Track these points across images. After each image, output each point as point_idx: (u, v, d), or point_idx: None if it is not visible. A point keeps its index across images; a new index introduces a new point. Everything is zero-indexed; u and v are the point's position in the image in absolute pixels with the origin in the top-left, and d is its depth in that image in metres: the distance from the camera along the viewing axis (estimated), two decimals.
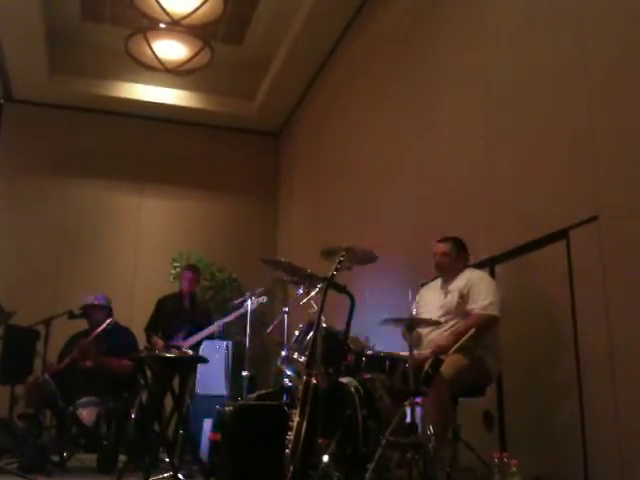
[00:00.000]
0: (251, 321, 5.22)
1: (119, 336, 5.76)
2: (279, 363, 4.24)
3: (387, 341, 4.34)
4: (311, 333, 3.81)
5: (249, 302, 5.40)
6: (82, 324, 5.87)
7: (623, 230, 3.42)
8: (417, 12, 6.00)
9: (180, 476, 4.06)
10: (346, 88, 7.51)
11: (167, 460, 4.37)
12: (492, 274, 4.37)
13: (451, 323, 3.93)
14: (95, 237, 8.83)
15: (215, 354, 5.43)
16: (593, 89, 3.71)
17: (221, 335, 5.81)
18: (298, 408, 3.20)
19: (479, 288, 3.93)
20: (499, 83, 4.65)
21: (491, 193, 4.60)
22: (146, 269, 8.73)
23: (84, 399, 5.31)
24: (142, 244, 9.00)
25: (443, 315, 3.99)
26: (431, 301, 4.17)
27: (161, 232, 9.11)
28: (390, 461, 3.46)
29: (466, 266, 4.19)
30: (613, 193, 3.51)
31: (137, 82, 8.85)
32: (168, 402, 4.69)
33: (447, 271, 4.19)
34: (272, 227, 9.68)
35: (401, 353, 3.71)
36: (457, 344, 3.69)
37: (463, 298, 3.95)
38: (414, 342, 3.72)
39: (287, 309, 5.05)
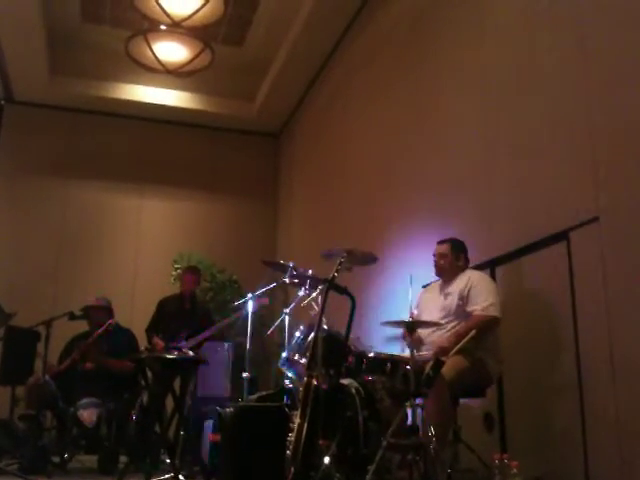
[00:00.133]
0: (252, 322, 5.21)
1: (120, 337, 5.76)
2: (280, 364, 4.23)
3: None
4: (312, 334, 3.81)
5: (250, 303, 5.39)
6: (83, 325, 5.87)
7: (624, 231, 3.42)
8: (416, 13, 6.00)
9: (181, 477, 4.06)
10: (346, 89, 7.52)
11: (168, 461, 4.37)
12: (492, 276, 4.38)
13: (452, 325, 3.94)
14: (95, 238, 8.84)
15: (216, 355, 5.43)
16: (593, 89, 3.72)
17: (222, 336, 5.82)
18: (299, 409, 3.20)
19: (479, 289, 3.93)
20: (499, 83, 4.65)
21: (491, 194, 4.60)
22: (146, 270, 8.74)
23: (85, 400, 5.31)
24: (142, 245, 9.01)
25: (443, 317, 3.99)
26: (431, 303, 4.18)
27: (161, 233, 9.11)
28: (391, 463, 3.45)
29: (466, 268, 4.19)
30: (613, 194, 3.51)
31: (137, 84, 8.86)
32: (169, 403, 4.69)
33: (446, 273, 4.19)
34: (272, 228, 9.68)
35: (402, 355, 3.71)
36: (458, 346, 3.69)
37: (463, 300, 3.95)
38: (415, 344, 3.73)
39: (288, 310, 5.05)
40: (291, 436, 3.29)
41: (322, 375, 3.41)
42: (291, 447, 3.17)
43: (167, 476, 4.19)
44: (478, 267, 4.33)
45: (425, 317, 4.06)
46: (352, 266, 3.91)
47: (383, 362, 3.70)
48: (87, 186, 9.05)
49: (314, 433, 3.16)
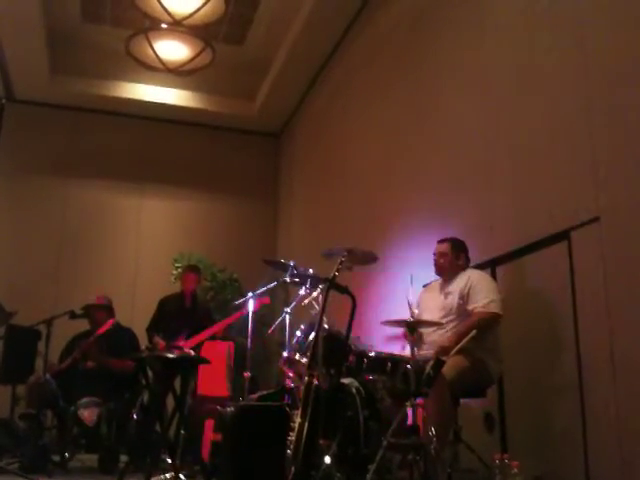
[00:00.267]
0: (252, 322, 5.21)
1: (121, 336, 5.76)
2: (280, 364, 4.24)
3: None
4: (312, 334, 3.81)
5: (250, 302, 5.39)
6: (83, 324, 5.87)
7: (624, 231, 3.43)
8: (416, 13, 6.00)
9: (181, 477, 4.06)
10: (346, 89, 7.51)
11: (168, 461, 4.37)
12: (493, 275, 4.38)
13: (452, 324, 3.94)
14: (96, 237, 8.84)
15: (216, 355, 5.43)
16: (593, 89, 3.72)
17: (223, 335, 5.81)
18: (299, 409, 3.20)
19: (479, 288, 3.94)
20: (499, 83, 4.65)
21: (491, 194, 4.60)
22: (147, 269, 8.74)
23: (85, 399, 5.31)
24: (143, 244, 9.01)
25: (444, 316, 4.00)
26: (432, 302, 4.18)
27: (162, 233, 9.11)
28: (391, 462, 3.46)
29: (466, 267, 4.19)
30: (614, 194, 3.51)
31: (138, 82, 8.85)
32: (169, 402, 4.69)
33: (446, 272, 4.19)
34: (272, 227, 9.68)
35: (402, 354, 3.71)
36: (459, 345, 3.69)
37: (463, 299, 3.96)
38: (415, 343, 3.73)
39: (289, 310, 5.05)
40: (292, 435, 3.29)
41: (323, 374, 3.41)
42: (292, 446, 3.17)
43: (167, 475, 4.19)
44: (479, 267, 4.33)
45: (425, 316, 4.06)
46: (353, 265, 3.91)
47: (384, 361, 3.70)
48: (88, 185, 9.05)
49: (315, 432, 3.16)
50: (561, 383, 3.78)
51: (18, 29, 7.45)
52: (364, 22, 7.14)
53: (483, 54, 4.87)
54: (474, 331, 3.69)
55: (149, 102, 9.00)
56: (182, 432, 4.61)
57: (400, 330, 4.26)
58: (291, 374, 4.26)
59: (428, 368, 3.53)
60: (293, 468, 3.07)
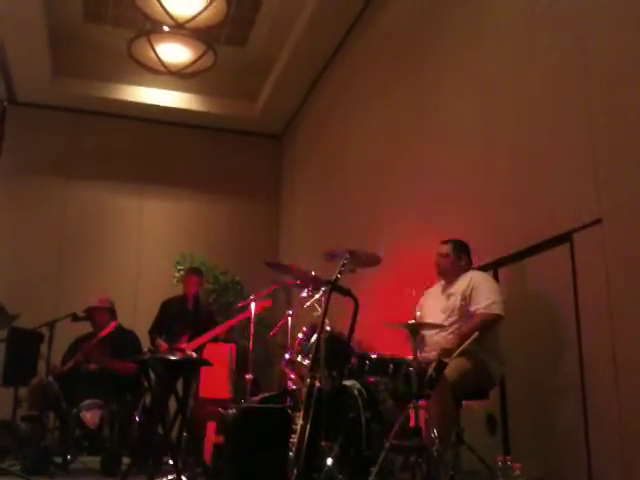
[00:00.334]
0: (254, 324, 5.21)
1: (123, 339, 5.76)
2: (282, 366, 4.24)
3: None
4: (315, 336, 3.81)
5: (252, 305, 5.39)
6: (86, 327, 5.87)
7: (626, 233, 3.42)
8: (417, 14, 6.01)
9: (183, 479, 4.06)
10: (348, 90, 7.52)
11: (171, 463, 4.37)
12: (495, 277, 4.37)
13: (455, 326, 3.93)
14: (98, 239, 8.84)
15: (219, 357, 5.43)
16: (593, 90, 3.72)
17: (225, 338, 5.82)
18: (302, 411, 3.20)
19: (481, 289, 3.93)
20: (499, 83, 4.65)
21: (493, 196, 4.60)
22: (149, 272, 8.74)
23: (87, 401, 5.31)
24: (144, 247, 9.01)
25: (446, 318, 4.00)
26: (434, 304, 4.18)
27: (163, 234, 9.11)
28: (393, 464, 3.46)
29: (469, 268, 4.19)
30: (616, 196, 3.51)
31: (140, 85, 8.86)
32: (172, 405, 4.69)
33: (447, 273, 4.20)
34: (275, 229, 9.68)
35: (405, 356, 3.71)
36: (461, 347, 3.69)
37: (466, 300, 3.96)
38: (417, 345, 3.73)
39: (291, 312, 5.05)
40: (294, 437, 3.29)
41: (325, 376, 3.41)
42: (294, 448, 3.17)
43: (170, 478, 4.19)
44: (481, 268, 4.33)
45: (428, 318, 4.06)
46: (355, 267, 3.91)
47: (386, 363, 3.70)
48: (89, 187, 9.05)
49: (317, 435, 3.16)
50: (563, 385, 3.77)
51: (20, 30, 7.46)
52: (365, 23, 7.15)
53: (483, 54, 4.87)
54: (476, 333, 3.68)
55: (151, 104, 9.01)
56: (184, 434, 4.61)
57: (403, 332, 4.25)
58: (293, 376, 4.27)
59: (430, 370, 3.53)
60: (295, 470, 3.07)
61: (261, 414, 3.81)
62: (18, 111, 8.93)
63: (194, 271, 6.39)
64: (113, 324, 5.67)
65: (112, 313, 5.87)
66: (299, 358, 4.04)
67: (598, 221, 3.57)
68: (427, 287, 4.50)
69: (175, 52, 6.98)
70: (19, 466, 4.93)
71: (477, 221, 4.70)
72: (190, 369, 4.60)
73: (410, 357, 3.54)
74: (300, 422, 3.16)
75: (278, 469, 3.38)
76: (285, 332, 4.97)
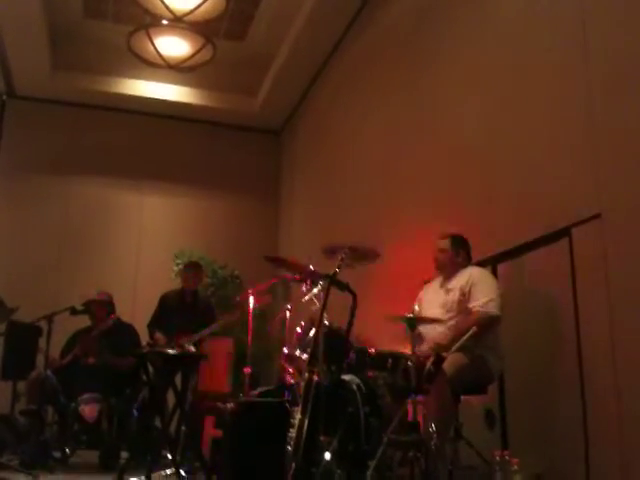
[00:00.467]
0: (253, 318, 5.21)
1: (122, 333, 5.77)
2: (281, 360, 4.23)
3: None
4: (313, 330, 3.81)
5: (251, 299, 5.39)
6: (84, 320, 5.88)
7: (626, 228, 3.42)
8: (419, 10, 5.99)
9: (182, 473, 4.07)
10: (348, 85, 7.51)
11: (169, 457, 4.37)
12: (494, 272, 4.37)
13: (453, 321, 3.93)
14: (97, 234, 8.84)
15: (217, 351, 5.43)
16: (594, 87, 3.71)
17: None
18: (300, 405, 3.20)
19: (480, 286, 3.93)
20: (500, 81, 4.65)
21: (492, 191, 4.59)
22: (148, 266, 8.73)
23: (86, 395, 5.32)
24: (144, 241, 9.01)
25: (445, 313, 3.99)
26: (432, 299, 4.18)
27: (162, 229, 9.11)
28: (392, 459, 3.46)
29: (467, 264, 4.19)
30: (615, 191, 3.51)
31: (139, 78, 8.84)
32: (170, 399, 4.70)
33: (446, 267, 4.19)
34: (273, 225, 9.67)
35: (403, 351, 3.71)
36: (458, 343, 3.69)
37: (465, 295, 3.95)
38: (416, 340, 3.73)
39: (289, 306, 5.05)
40: (292, 432, 3.29)
41: (323, 371, 3.41)
42: (292, 443, 3.17)
43: (168, 471, 4.20)
44: (480, 264, 4.33)
45: (426, 313, 4.05)
46: (354, 263, 3.90)
47: (384, 358, 3.71)
48: (89, 181, 9.04)
49: (315, 429, 3.15)
50: (562, 380, 3.77)
51: (19, 24, 7.44)
52: (366, 18, 7.13)
53: (483, 53, 4.87)
54: (474, 328, 3.68)
55: (150, 98, 8.99)
56: (183, 428, 4.62)
57: (402, 327, 4.25)
58: (291, 370, 4.26)
59: (428, 364, 3.54)
60: (293, 464, 3.07)
61: (259, 408, 3.81)
62: (17, 105, 8.96)
63: (193, 266, 6.38)
64: (112, 318, 5.66)
65: (111, 307, 5.87)
66: (297, 352, 4.03)
67: (597, 216, 3.57)
68: (426, 282, 4.50)
69: (174, 45, 6.96)
70: (18, 460, 4.94)
71: (476, 216, 4.70)
72: (189, 363, 4.61)
73: (408, 352, 3.54)
74: (298, 416, 3.16)
75: (276, 463, 3.37)
76: (284, 326, 4.96)
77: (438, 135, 5.42)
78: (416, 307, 4.18)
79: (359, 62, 7.27)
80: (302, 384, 3.32)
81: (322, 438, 3.32)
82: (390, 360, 3.67)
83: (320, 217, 8.04)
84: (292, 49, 7.96)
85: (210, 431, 4.98)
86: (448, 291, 4.08)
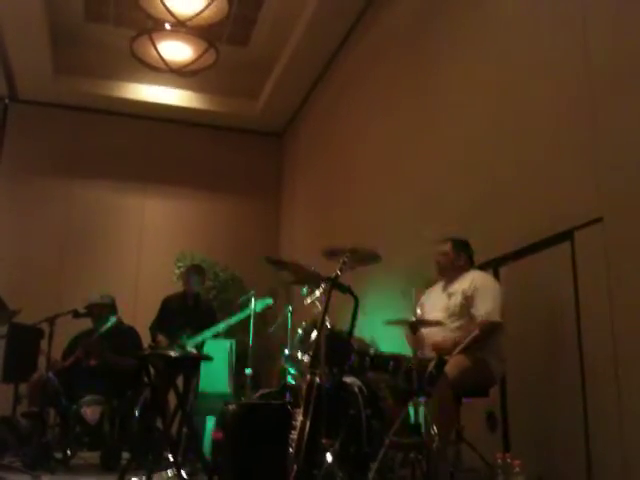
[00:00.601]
0: (254, 320, 5.21)
1: (123, 335, 5.77)
2: (282, 362, 4.24)
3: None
4: (315, 332, 3.81)
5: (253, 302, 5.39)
6: (86, 323, 5.88)
7: (627, 231, 3.43)
8: (421, 12, 6.01)
9: (183, 474, 4.07)
10: (350, 89, 7.52)
11: (170, 458, 4.37)
12: (496, 275, 4.37)
13: (455, 324, 3.93)
14: (99, 236, 8.86)
15: (218, 353, 5.43)
16: (596, 89, 3.72)
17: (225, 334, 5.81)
18: (302, 407, 3.20)
19: (483, 293, 3.91)
20: (502, 82, 4.66)
21: (495, 194, 4.60)
22: (149, 269, 8.75)
23: (88, 397, 5.32)
24: (145, 244, 9.02)
25: (447, 317, 3.99)
26: (434, 303, 4.17)
27: (164, 232, 9.13)
28: (393, 461, 3.46)
29: (470, 267, 4.19)
30: (617, 194, 3.52)
31: (141, 82, 8.87)
32: (172, 400, 4.70)
33: (447, 271, 4.19)
34: (275, 227, 9.69)
35: (405, 354, 3.72)
36: (460, 347, 3.70)
37: (467, 300, 3.95)
38: (418, 343, 3.74)
39: (291, 308, 5.05)
40: (294, 434, 3.29)
41: (325, 373, 3.41)
42: (294, 445, 3.17)
43: (169, 473, 4.20)
44: (481, 267, 4.33)
45: (429, 317, 4.06)
46: (356, 265, 3.90)
47: (386, 361, 3.71)
48: (91, 185, 9.06)
49: (317, 431, 3.16)
50: (563, 383, 3.77)
51: (21, 28, 7.47)
52: (368, 22, 7.15)
53: (486, 54, 4.88)
54: (476, 331, 3.69)
55: (152, 102, 9.03)
56: (184, 430, 4.62)
57: (404, 330, 4.26)
58: (293, 372, 4.27)
59: (430, 367, 3.54)
60: (295, 466, 3.07)
61: (261, 410, 3.81)
62: (20, 108, 8.99)
63: (195, 269, 6.37)
64: (114, 319, 5.66)
65: (113, 310, 5.87)
66: (299, 354, 4.04)
67: (599, 219, 3.58)
68: (428, 286, 4.50)
69: (177, 50, 6.97)
70: (19, 462, 4.94)
71: (478, 219, 4.71)
72: (190, 365, 4.62)
73: (410, 355, 3.55)
74: (300, 418, 3.17)
75: (278, 465, 3.37)
76: (285, 328, 4.97)
77: (440, 137, 5.43)
78: (418, 310, 4.19)
79: (361, 65, 7.28)
80: (304, 386, 3.32)
81: (324, 440, 3.32)
82: (392, 363, 3.67)
83: (321, 219, 8.05)
84: (294, 52, 7.98)
85: (212, 432, 4.97)
86: (450, 295, 4.08)
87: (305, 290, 4.31)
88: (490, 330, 3.80)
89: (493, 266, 4.45)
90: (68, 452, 5.20)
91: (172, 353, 4.49)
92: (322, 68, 8.28)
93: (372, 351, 3.98)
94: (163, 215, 9.31)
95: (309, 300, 4.26)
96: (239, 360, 5.59)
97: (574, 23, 3.93)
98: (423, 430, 3.39)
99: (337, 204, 7.51)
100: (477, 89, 4.96)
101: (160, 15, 6.51)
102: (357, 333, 3.93)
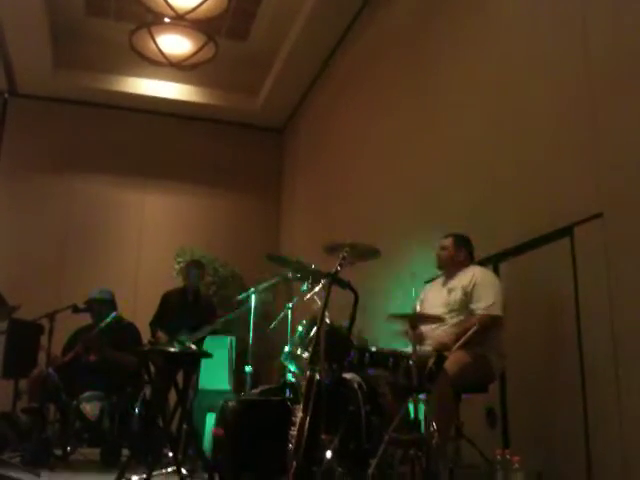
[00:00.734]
0: (254, 316, 5.21)
1: (123, 331, 5.76)
2: (282, 359, 4.23)
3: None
4: (315, 329, 3.81)
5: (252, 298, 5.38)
6: (86, 318, 5.87)
7: (627, 227, 3.42)
8: (421, 9, 5.99)
9: (183, 471, 4.07)
10: (350, 84, 7.50)
11: (170, 455, 4.37)
12: (496, 271, 4.37)
13: (455, 320, 3.93)
14: (99, 232, 8.86)
15: (218, 349, 5.43)
16: (596, 89, 3.71)
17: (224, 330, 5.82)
18: (301, 404, 3.20)
19: (483, 288, 3.92)
20: (502, 79, 4.65)
21: (495, 190, 4.59)
22: (149, 264, 8.75)
23: (88, 393, 5.32)
24: (145, 239, 9.02)
25: (447, 312, 3.99)
26: (434, 298, 4.17)
27: (164, 227, 9.12)
28: (393, 457, 3.46)
29: (470, 262, 4.19)
30: (617, 190, 3.51)
31: (141, 76, 8.86)
32: (172, 397, 4.69)
33: (447, 265, 4.20)
34: (275, 223, 9.68)
35: (405, 350, 3.71)
36: (461, 341, 3.69)
37: (467, 295, 3.95)
38: (417, 339, 3.73)
39: (291, 304, 5.05)
40: (293, 430, 3.29)
41: (325, 369, 3.41)
42: (293, 441, 3.17)
43: (169, 470, 4.20)
44: (481, 263, 4.33)
45: (428, 312, 4.05)
46: (355, 261, 3.89)
47: (386, 357, 3.70)
48: (90, 179, 9.06)
49: (316, 427, 3.16)
50: (563, 379, 3.77)
51: (21, 23, 7.46)
52: (368, 17, 7.13)
53: (486, 53, 4.87)
54: (476, 326, 3.68)
55: (152, 96, 9.01)
56: (184, 426, 4.62)
57: (404, 326, 4.25)
58: (293, 369, 4.26)
59: (430, 363, 3.53)
60: (295, 463, 3.07)
61: (261, 406, 3.81)
62: (19, 103, 8.97)
63: (196, 264, 6.37)
64: (113, 315, 5.66)
65: (112, 305, 5.86)
66: (299, 351, 4.03)
67: (599, 215, 3.57)
68: (428, 281, 4.50)
69: (176, 43, 6.97)
70: (19, 458, 4.94)
71: (478, 215, 4.70)
72: (190, 361, 4.61)
73: (410, 350, 3.54)
74: (300, 415, 3.16)
75: (278, 462, 3.37)
76: (285, 325, 4.96)
77: (440, 134, 5.42)
78: (418, 306, 4.19)
79: (361, 60, 7.26)
80: (303, 382, 3.32)
81: (323, 436, 3.31)
82: (391, 359, 3.67)
83: (321, 215, 8.04)
84: (294, 47, 7.96)
85: (212, 429, 4.97)
86: (450, 290, 4.08)
87: (305, 286, 4.30)
88: (490, 324, 3.80)
89: (493, 262, 4.45)
90: (68, 448, 5.20)
91: (172, 349, 4.48)
92: (322, 63, 8.26)
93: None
94: (163, 210, 9.31)
95: (309, 296, 4.26)
96: (239, 357, 5.59)
97: (574, 23, 3.92)
98: (423, 426, 3.39)
99: (337, 200, 7.50)
100: (477, 89, 4.95)
101: (159, 9, 6.50)
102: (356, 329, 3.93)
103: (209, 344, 5.56)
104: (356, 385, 3.71)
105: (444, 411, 3.54)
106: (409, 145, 5.93)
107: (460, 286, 4.01)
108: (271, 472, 3.46)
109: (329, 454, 3.30)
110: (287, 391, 4.32)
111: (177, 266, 8.00)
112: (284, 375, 4.51)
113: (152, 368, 4.71)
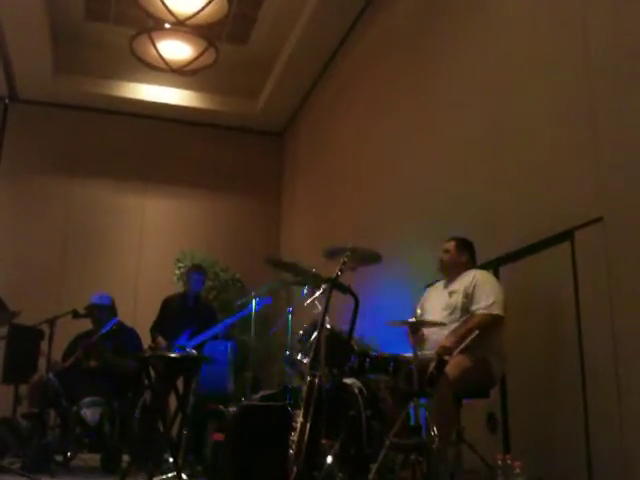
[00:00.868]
0: (255, 321, 5.20)
1: (124, 336, 5.76)
2: (283, 364, 4.23)
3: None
4: (315, 333, 3.80)
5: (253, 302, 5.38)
6: (86, 324, 5.87)
7: (628, 231, 3.42)
8: (421, 10, 5.99)
9: (184, 476, 4.07)
10: (351, 87, 7.51)
11: (171, 460, 4.36)
12: (496, 275, 4.36)
13: (456, 324, 3.92)
14: (99, 237, 8.86)
15: (219, 354, 5.42)
16: (596, 89, 3.71)
17: (225, 335, 5.80)
18: (302, 409, 3.19)
19: (483, 289, 3.92)
20: (502, 81, 4.65)
21: (495, 194, 4.59)
22: (149, 269, 8.75)
23: (88, 399, 5.31)
24: (145, 244, 9.02)
25: (448, 315, 3.98)
26: (436, 301, 4.17)
27: (164, 232, 9.12)
28: (394, 462, 3.45)
29: (471, 266, 4.18)
30: (617, 194, 3.51)
31: (141, 82, 8.87)
32: (172, 402, 4.69)
33: (448, 268, 4.20)
34: (275, 227, 9.68)
35: (405, 354, 3.70)
36: (462, 345, 3.68)
37: (468, 297, 3.94)
38: (418, 343, 3.72)
39: (291, 309, 5.04)
40: (294, 435, 3.28)
41: (325, 374, 3.40)
42: (294, 446, 3.16)
43: (170, 475, 4.19)
44: (482, 266, 4.32)
45: (429, 316, 4.05)
46: (356, 265, 3.89)
47: (386, 361, 3.70)
48: (91, 184, 9.06)
49: (317, 432, 3.15)
50: (564, 383, 3.76)
51: (21, 27, 7.47)
52: (368, 20, 7.13)
53: (487, 53, 4.87)
54: (476, 331, 3.68)
55: (152, 102, 9.02)
56: (184, 432, 4.61)
57: (404, 330, 4.25)
58: (293, 374, 4.26)
59: (431, 368, 3.52)
60: (295, 468, 3.07)
61: (261, 412, 3.80)
62: (20, 108, 8.98)
63: (198, 269, 6.35)
64: (114, 321, 5.66)
65: (113, 310, 5.86)
66: (299, 356, 4.02)
67: (599, 219, 3.57)
68: (428, 285, 4.49)
69: (176, 49, 6.97)
70: (19, 464, 4.93)
71: (479, 219, 4.70)
72: (190, 367, 4.60)
73: (411, 355, 3.53)
74: (300, 420, 3.16)
75: (278, 467, 3.37)
76: (285, 330, 4.95)
77: (441, 137, 5.42)
78: (418, 310, 4.18)
79: (361, 62, 7.27)
80: (304, 387, 3.31)
81: (324, 441, 3.31)
82: (392, 363, 3.66)
83: (322, 219, 8.04)
84: (294, 51, 7.97)
85: (212, 434, 4.96)
86: (451, 294, 4.08)
87: (305, 291, 4.29)
88: (491, 323, 3.80)
89: (494, 266, 4.44)
90: (68, 454, 5.19)
91: (172, 355, 4.48)
92: (322, 67, 8.27)
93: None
94: (163, 214, 9.31)
95: (309, 301, 4.25)
96: (240, 362, 5.58)
97: (574, 23, 3.92)
98: (424, 431, 3.38)
99: (337, 203, 7.50)
100: (477, 89, 4.95)
101: (160, 14, 6.50)
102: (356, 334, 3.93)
103: (209, 349, 5.55)
104: (357, 390, 3.70)
105: (445, 416, 3.53)
106: (409, 146, 5.93)
107: (461, 289, 4.00)
108: (272, 478, 3.45)
109: (330, 459, 3.30)
110: (287, 396, 4.31)
111: (177, 271, 7.99)
112: (285, 380, 4.51)
113: (152, 373, 4.69)
